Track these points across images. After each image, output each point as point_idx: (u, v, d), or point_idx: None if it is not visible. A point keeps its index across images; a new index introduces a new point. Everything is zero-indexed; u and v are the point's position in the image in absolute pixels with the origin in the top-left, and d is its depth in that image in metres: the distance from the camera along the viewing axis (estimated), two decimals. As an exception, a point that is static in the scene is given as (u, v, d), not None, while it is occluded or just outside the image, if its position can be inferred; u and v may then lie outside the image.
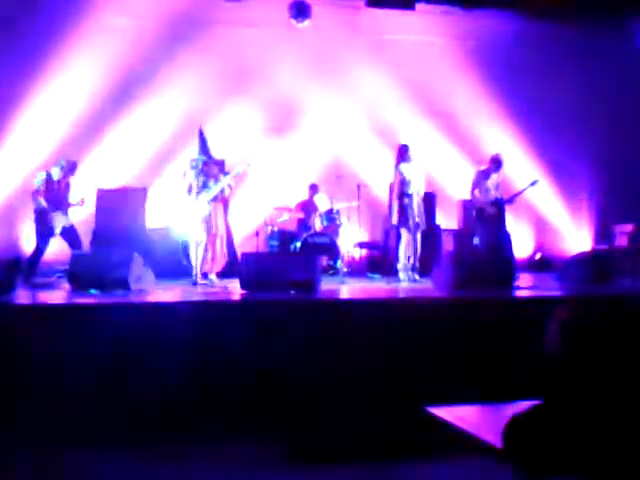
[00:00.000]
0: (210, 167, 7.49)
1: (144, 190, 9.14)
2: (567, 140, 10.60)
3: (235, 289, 6.28)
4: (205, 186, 7.27)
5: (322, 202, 9.26)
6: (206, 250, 7.23)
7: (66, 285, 6.47)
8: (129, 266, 6.25)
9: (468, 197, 8.24)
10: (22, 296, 5.97)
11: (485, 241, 7.80)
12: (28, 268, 7.02)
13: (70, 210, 7.38)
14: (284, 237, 9.01)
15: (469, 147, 10.39)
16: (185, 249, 7.61)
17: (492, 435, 1.88)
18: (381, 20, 10.25)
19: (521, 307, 5.54)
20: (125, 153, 9.64)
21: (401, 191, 7.73)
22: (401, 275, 7.78)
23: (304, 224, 9.15)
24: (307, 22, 9.29)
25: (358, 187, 8.91)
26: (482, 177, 7.89)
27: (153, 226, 8.99)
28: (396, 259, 7.93)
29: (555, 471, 1.62)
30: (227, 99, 9.80)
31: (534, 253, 10.82)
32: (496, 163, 7.89)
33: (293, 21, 9.29)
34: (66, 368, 4.53)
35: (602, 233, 10.90)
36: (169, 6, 9.55)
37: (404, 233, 7.80)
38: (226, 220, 8.05)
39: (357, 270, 9.24)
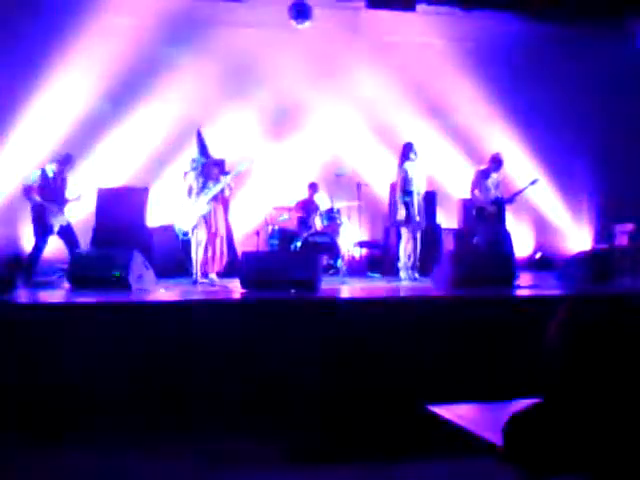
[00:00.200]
0: (210, 168, 7.48)
1: (145, 190, 9.14)
2: (567, 140, 10.60)
3: (235, 288, 6.28)
4: (205, 187, 7.27)
5: (322, 201, 9.27)
6: (206, 250, 7.23)
7: (66, 284, 6.48)
8: (130, 265, 6.25)
9: (468, 196, 8.25)
10: (22, 295, 5.97)
11: (485, 240, 7.80)
12: (28, 267, 7.02)
13: (67, 207, 7.34)
14: (284, 236, 9.01)
15: (469, 147, 10.39)
16: (185, 245, 7.60)
17: (492, 433, 1.89)
18: (381, 21, 10.25)
19: (521, 306, 5.54)
20: (126, 152, 9.65)
21: (403, 189, 7.73)
22: (401, 274, 7.79)
23: (304, 223, 9.15)
24: (307, 23, 9.29)
25: (358, 186, 8.91)
26: (482, 176, 7.89)
27: (154, 225, 8.99)
28: (397, 258, 7.94)
29: (555, 470, 1.62)
30: (227, 99, 9.81)
31: (534, 252, 10.82)
32: (496, 162, 7.90)
33: (293, 22, 9.29)
34: (66, 368, 4.53)
35: (602, 232, 10.91)
36: (170, 6, 9.55)
37: (405, 232, 7.81)
38: (226, 220, 8.05)
39: (357, 269, 9.25)
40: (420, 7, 10.14)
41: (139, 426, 4.29)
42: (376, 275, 8.90)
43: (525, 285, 6.98)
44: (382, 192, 9.53)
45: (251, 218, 9.82)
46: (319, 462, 3.96)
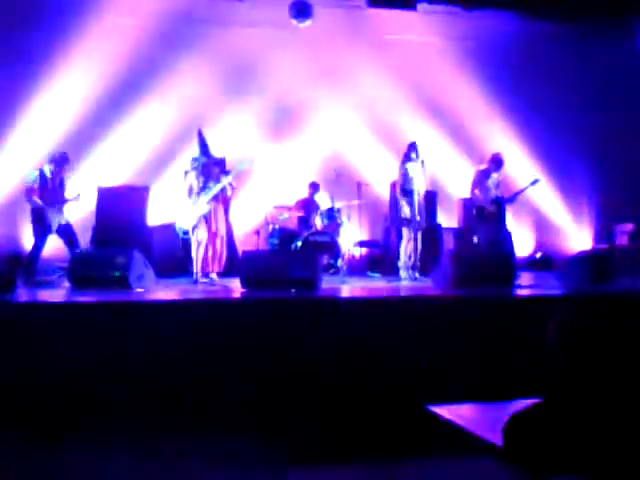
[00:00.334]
0: (210, 168, 7.48)
1: (146, 189, 9.13)
2: (567, 139, 10.60)
3: (236, 288, 6.28)
4: (205, 187, 7.27)
5: (323, 200, 9.27)
6: (207, 249, 7.23)
7: (66, 283, 6.47)
8: (130, 265, 6.25)
9: (468, 196, 8.25)
10: (22, 294, 5.97)
11: (485, 240, 7.80)
12: (28, 266, 7.02)
13: (66, 206, 7.33)
14: (285, 235, 9.00)
15: (470, 146, 10.39)
16: (185, 244, 7.60)
17: (492, 433, 1.89)
18: (382, 20, 10.24)
19: (521, 306, 5.54)
20: (127, 151, 9.66)
21: (403, 188, 7.73)
22: (402, 273, 7.78)
23: (305, 222, 9.15)
24: (308, 22, 9.28)
25: (358, 185, 8.90)
26: (482, 176, 7.89)
27: (154, 224, 8.99)
28: (397, 257, 7.94)
29: (555, 469, 1.62)
30: (228, 98, 9.80)
31: (534, 252, 10.82)
32: (496, 162, 7.90)
33: (294, 21, 9.28)
34: (66, 367, 4.53)
35: (602, 232, 10.91)
36: (170, 6, 9.54)
37: (405, 231, 7.81)
38: (227, 219, 8.05)
39: (357, 269, 9.25)
40: (421, 6, 10.14)
41: (139, 426, 4.28)
42: (376, 275, 8.90)
43: (525, 285, 6.98)
44: (382, 192, 9.53)
45: (251, 217, 9.82)
46: (319, 462, 3.96)
